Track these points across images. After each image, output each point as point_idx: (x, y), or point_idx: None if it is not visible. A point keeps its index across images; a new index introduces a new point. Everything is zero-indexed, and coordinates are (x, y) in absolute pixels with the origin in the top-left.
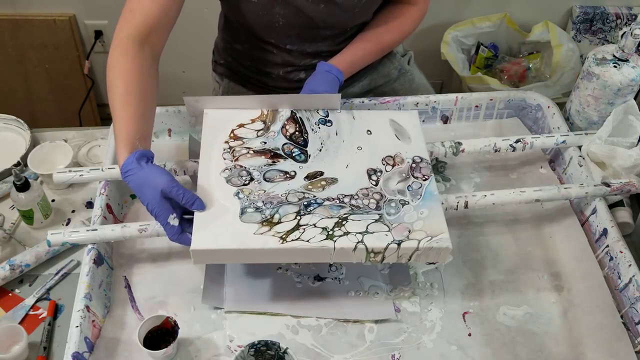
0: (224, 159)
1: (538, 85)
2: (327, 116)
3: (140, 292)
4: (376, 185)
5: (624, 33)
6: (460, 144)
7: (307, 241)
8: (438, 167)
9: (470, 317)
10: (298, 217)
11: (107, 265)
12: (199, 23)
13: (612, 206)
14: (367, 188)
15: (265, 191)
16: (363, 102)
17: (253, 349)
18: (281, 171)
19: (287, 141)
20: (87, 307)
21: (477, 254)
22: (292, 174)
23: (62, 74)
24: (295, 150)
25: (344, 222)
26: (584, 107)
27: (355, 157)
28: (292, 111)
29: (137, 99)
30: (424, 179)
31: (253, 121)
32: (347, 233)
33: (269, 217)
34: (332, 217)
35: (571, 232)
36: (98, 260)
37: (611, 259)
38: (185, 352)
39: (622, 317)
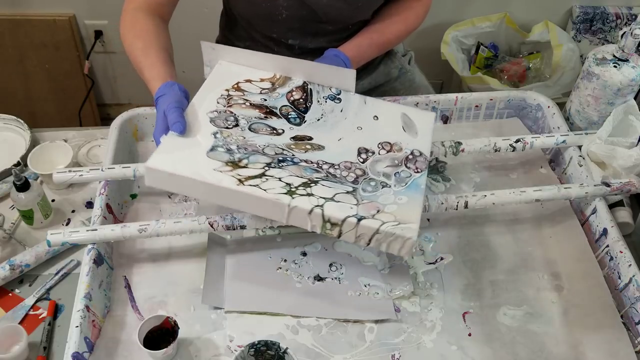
0: (217, 102)
1: (538, 85)
2: (339, 94)
3: (140, 292)
4: (363, 163)
5: (624, 33)
6: (460, 143)
7: (265, 190)
8: (438, 167)
9: (470, 317)
10: (266, 168)
11: (107, 265)
12: (199, 23)
13: (612, 206)
14: (351, 162)
15: (244, 138)
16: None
17: (253, 349)
18: (269, 126)
19: (288, 104)
20: (87, 307)
21: (477, 254)
22: (280, 131)
23: (62, 74)
24: (292, 113)
25: (311, 184)
26: (584, 107)
27: (352, 134)
28: (304, 82)
29: (157, 50)
30: (416, 171)
31: (262, 80)
32: (310, 195)
33: (236, 160)
34: (301, 177)
35: (571, 232)
36: (98, 260)
37: (611, 259)
38: (185, 352)
39: (622, 317)
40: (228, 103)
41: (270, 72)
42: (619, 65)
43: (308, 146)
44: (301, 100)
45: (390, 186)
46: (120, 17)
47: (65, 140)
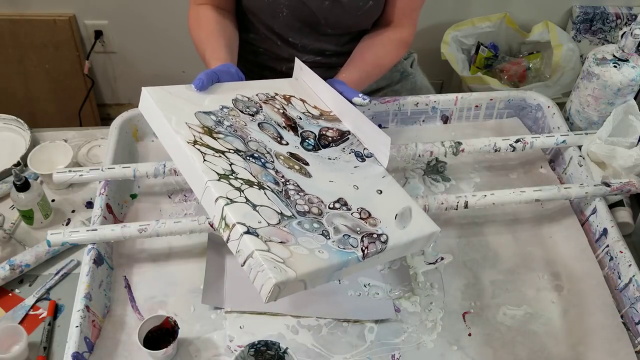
0: (257, 95)
1: (538, 85)
2: (368, 156)
3: (140, 292)
4: (330, 208)
5: (624, 33)
6: (460, 143)
7: (203, 161)
8: (438, 167)
9: (470, 317)
10: (232, 152)
11: (107, 265)
12: None
13: (612, 206)
14: (321, 201)
15: (245, 124)
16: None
17: (253, 349)
18: (278, 133)
19: (315, 134)
20: (87, 307)
21: (477, 254)
22: (284, 142)
23: (62, 74)
24: (312, 141)
25: (254, 186)
26: (584, 107)
27: (345, 186)
28: (349, 131)
29: (218, 37)
30: (362, 249)
31: (315, 107)
32: (239, 190)
33: (213, 129)
34: (253, 177)
35: (571, 232)
36: (98, 260)
37: (611, 259)
38: (185, 352)
39: (622, 317)
40: (265, 101)
41: (327, 108)
42: (619, 65)
43: (297, 167)
44: (331, 139)
45: (328, 238)
46: (119, 16)
47: (65, 140)
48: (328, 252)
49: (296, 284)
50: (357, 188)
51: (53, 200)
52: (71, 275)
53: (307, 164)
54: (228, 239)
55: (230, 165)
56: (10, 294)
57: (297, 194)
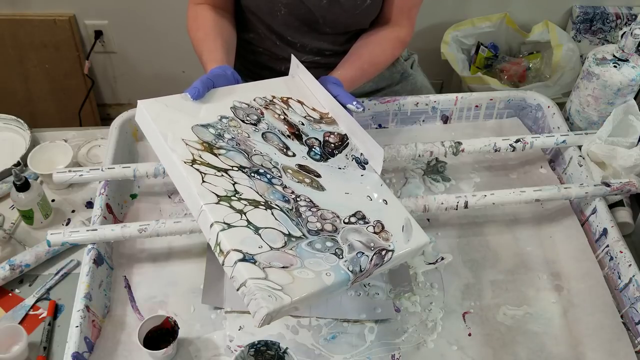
0: (255, 100)
1: (538, 85)
2: (365, 163)
3: (140, 292)
4: (346, 223)
5: (624, 33)
6: (460, 143)
7: (202, 182)
8: (438, 167)
9: (470, 317)
10: (235, 169)
11: (107, 265)
12: None
13: (612, 206)
14: (337, 216)
15: (248, 136)
16: (363, 101)
17: (253, 349)
18: (283, 143)
19: (320, 140)
20: (87, 307)
21: (477, 254)
22: (290, 153)
23: (62, 74)
24: (318, 149)
25: (260, 207)
26: (584, 107)
27: (360, 197)
28: (346, 134)
29: (215, 38)
30: (372, 266)
31: (314, 109)
32: (240, 212)
33: (214, 144)
34: (260, 196)
35: (571, 232)
36: (98, 260)
37: (611, 259)
38: (185, 352)
39: (622, 317)
40: (265, 106)
41: (324, 109)
42: (619, 65)
43: (307, 180)
44: (334, 145)
45: (341, 257)
46: (119, 16)
47: (65, 140)
48: (335, 274)
49: (289, 309)
50: (371, 199)
51: (53, 200)
52: (71, 275)
53: (318, 175)
54: (223, 264)
55: (234, 185)
56: (10, 294)
57: (309, 210)
